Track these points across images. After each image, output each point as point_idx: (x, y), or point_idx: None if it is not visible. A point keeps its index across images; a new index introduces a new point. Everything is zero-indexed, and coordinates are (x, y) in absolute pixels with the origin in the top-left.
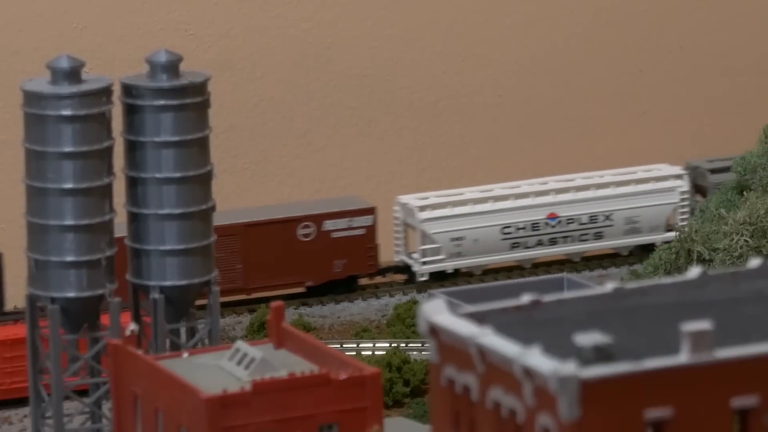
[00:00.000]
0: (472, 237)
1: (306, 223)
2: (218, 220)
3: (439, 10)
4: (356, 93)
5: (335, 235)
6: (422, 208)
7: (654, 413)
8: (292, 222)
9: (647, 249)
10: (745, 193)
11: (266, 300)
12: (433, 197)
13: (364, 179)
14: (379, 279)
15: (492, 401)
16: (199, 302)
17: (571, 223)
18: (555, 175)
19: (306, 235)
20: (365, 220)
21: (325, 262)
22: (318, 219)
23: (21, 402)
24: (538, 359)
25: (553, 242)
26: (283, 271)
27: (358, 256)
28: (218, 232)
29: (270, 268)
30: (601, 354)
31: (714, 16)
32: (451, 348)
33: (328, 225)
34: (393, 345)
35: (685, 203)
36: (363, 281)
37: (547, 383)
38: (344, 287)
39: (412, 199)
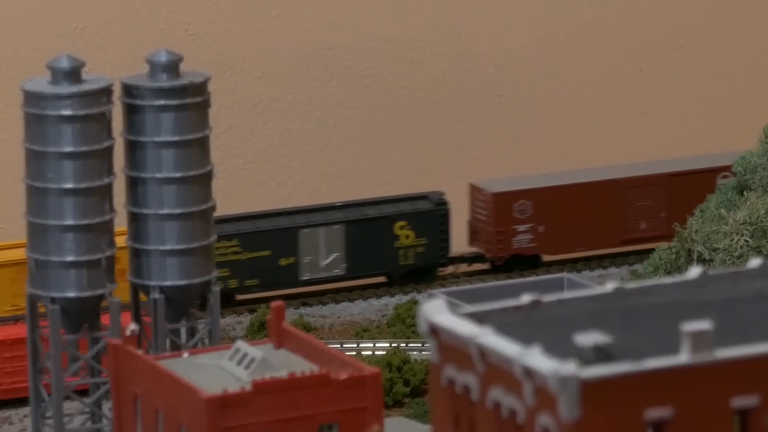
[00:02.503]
0: None
1: (725, 173)
2: (645, 170)
3: (439, 10)
4: (356, 93)
5: None
6: None
7: (654, 413)
8: (713, 172)
9: None
10: (745, 193)
11: None
12: None
13: (365, 179)
14: None
15: (492, 401)
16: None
17: None
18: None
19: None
20: None
21: None
22: None
23: (21, 402)
24: (538, 359)
25: None
26: None
27: None
28: (645, 182)
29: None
30: (601, 354)
31: (714, 16)
32: (451, 348)
33: None
34: (393, 345)
35: None
36: None
37: (547, 383)
38: None
39: None
